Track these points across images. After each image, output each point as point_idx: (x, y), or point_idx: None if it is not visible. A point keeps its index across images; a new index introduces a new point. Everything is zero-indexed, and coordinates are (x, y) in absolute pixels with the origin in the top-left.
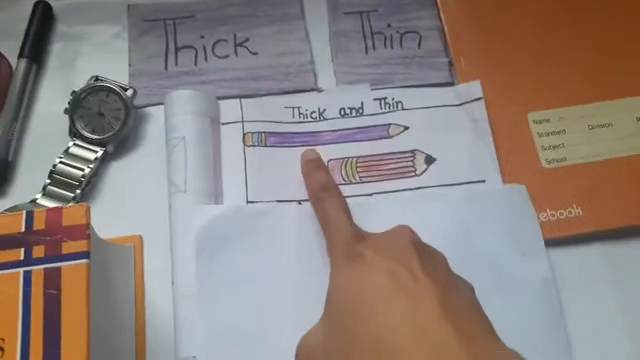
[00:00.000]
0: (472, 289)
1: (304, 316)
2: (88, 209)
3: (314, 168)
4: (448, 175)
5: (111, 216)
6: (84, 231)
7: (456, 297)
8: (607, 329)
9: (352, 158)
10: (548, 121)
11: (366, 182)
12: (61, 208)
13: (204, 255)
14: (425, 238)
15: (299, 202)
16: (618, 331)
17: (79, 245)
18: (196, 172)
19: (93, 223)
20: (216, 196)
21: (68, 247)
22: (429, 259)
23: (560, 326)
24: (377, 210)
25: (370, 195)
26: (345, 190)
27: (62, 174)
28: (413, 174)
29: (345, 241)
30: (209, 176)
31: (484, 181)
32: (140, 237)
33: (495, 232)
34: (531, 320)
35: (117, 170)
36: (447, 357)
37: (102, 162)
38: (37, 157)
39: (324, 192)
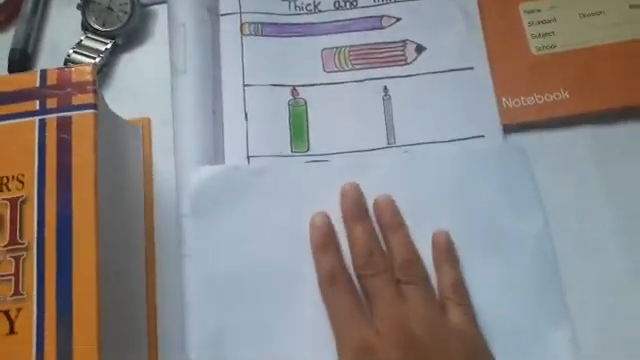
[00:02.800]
0: None
1: (307, 280)
2: (94, 67)
3: (323, 247)
4: (437, 63)
5: (122, 101)
6: (91, 86)
7: None
8: (591, 213)
9: (345, 47)
10: (539, 11)
11: (358, 69)
12: (70, 68)
13: (200, 217)
14: (417, 197)
15: (294, 91)
16: (602, 211)
17: (87, 97)
18: (194, 54)
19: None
20: (214, 78)
21: (77, 99)
22: None
23: (555, 282)
24: (371, 169)
25: (362, 81)
26: (338, 77)
27: (75, 62)
28: (404, 62)
29: (352, 349)
30: (207, 59)
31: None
32: (148, 119)
33: (489, 189)
34: (524, 276)
35: (127, 60)
36: None
37: (112, 53)
38: (53, 49)
39: (332, 284)
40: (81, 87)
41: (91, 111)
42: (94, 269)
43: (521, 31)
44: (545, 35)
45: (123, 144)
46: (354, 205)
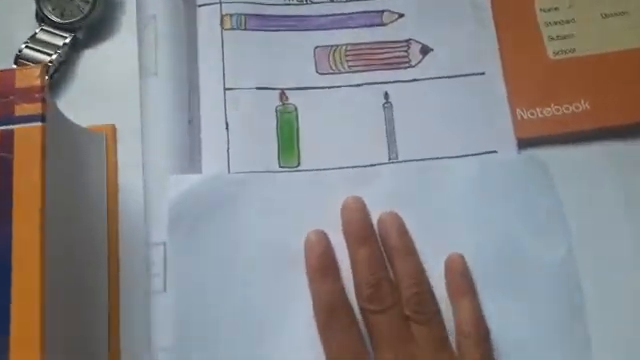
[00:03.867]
0: None
1: (300, 312)
2: (43, 69)
3: (320, 272)
4: (445, 67)
5: (83, 105)
6: (39, 93)
7: None
8: (612, 235)
9: (341, 46)
10: (557, 9)
11: (355, 71)
12: (14, 69)
13: (178, 232)
14: (427, 216)
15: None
16: (624, 234)
17: (34, 107)
18: (167, 53)
19: (64, 112)
20: (190, 81)
21: (22, 109)
22: None
23: (579, 315)
24: (379, 182)
25: (360, 85)
26: (333, 80)
27: (28, 59)
28: (407, 65)
29: None
30: (182, 59)
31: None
32: (113, 127)
33: (508, 209)
34: (547, 308)
35: (89, 58)
36: None
37: (72, 49)
38: (2, 44)
39: (330, 317)
40: (27, 94)
41: (38, 124)
42: (37, 317)
43: (537, 32)
44: (564, 37)
45: (82, 157)
46: (358, 222)
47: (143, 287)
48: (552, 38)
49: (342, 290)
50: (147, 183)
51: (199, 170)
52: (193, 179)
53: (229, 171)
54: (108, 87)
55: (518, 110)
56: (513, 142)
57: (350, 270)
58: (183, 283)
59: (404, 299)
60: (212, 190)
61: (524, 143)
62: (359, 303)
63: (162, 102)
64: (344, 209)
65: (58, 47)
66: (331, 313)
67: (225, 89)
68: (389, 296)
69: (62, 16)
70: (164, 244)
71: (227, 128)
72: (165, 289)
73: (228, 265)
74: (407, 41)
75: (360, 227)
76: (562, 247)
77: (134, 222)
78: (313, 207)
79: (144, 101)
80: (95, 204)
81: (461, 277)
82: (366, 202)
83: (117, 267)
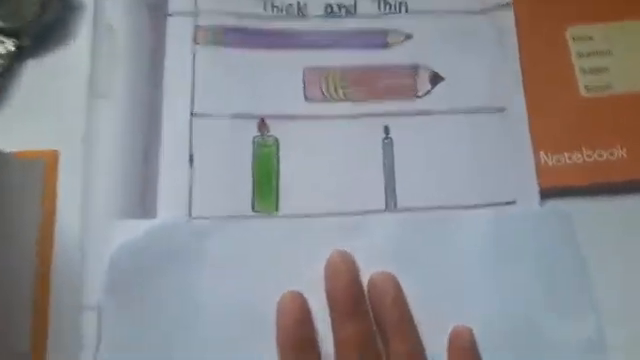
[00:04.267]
0: None
1: None
2: None
3: (294, 349)
4: (458, 99)
5: (21, 125)
6: None
7: None
8: None
9: (336, 69)
10: (591, 38)
11: (352, 100)
12: None
13: (118, 294)
14: (428, 279)
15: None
16: None
17: None
18: (125, 71)
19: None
20: (151, 107)
21: None
22: None
23: None
24: (372, 235)
25: (356, 117)
26: (324, 109)
27: None
28: (413, 95)
29: None
30: (143, 80)
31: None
32: (55, 152)
33: (526, 273)
34: None
35: (34, 69)
36: None
37: (15, 58)
38: None
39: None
40: None
41: None
42: None
43: (568, 64)
44: (598, 72)
45: (9, 189)
46: (346, 289)
47: None
48: (585, 71)
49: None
50: (87, 229)
51: (153, 214)
52: (143, 226)
53: (190, 216)
54: (54, 105)
55: (542, 154)
56: (535, 192)
57: (331, 344)
58: None
59: None
60: (167, 240)
61: (547, 193)
62: None
63: (112, 128)
64: (329, 268)
65: None
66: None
67: (192, 115)
68: None
69: (4, 19)
70: (99, 308)
71: (191, 163)
72: None
73: (182, 337)
74: (414, 67)
75: (347, 295)
76: (590, 325)
77: (69, 278)
78: (291, 263)
79: (91, 126)
80: (22, 246)
81: (467, 355)
82: (356, 258)
83: (45, 335)
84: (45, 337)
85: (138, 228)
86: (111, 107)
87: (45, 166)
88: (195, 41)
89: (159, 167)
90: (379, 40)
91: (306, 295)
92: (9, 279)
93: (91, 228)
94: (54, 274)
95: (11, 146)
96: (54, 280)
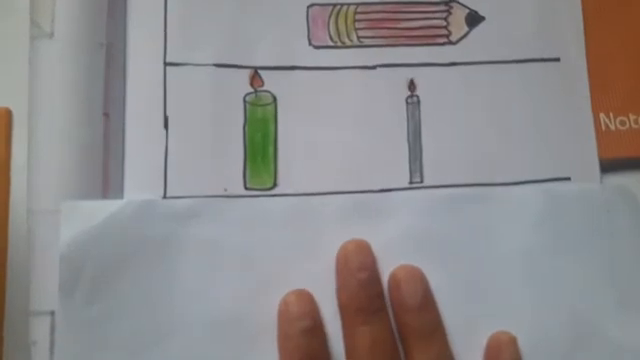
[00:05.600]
0: None
1: None
2: None
3: (302, 333)
4: (501, 47)
5: None
6: None
7: None
8: None
9: (349, 5)
10: None
11: (368, 46)
12: None
13: (74, 295)
14: (469, 273)
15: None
16: None
17: None
18: (73, 4)
19: None
20: (110, 48)
21: None
22: None
23: None
24: (394, 217)
25: (373, 68)
26: (333, 57)
27: None
28: (445, 40)
29: None
30: (96, 12)
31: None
32: (7, 110)
33: (584, 265)
34: None
35: None
36: None
37: None
38: None
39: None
40: None
41: None
42: None
43: (637, 4)
44: None
45: None
46: (361, 289)
47: None
48: None
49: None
50: (33, 214)
51: (117, 193)
52: (103, 209)
53: (165, 194)
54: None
55: (603, 116)
56: (594, 164)
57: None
58: None
59: None
60: (136, 226)
61: (609, 165)
62: None
63: (61, 80)
64: (340, 261)
65: None
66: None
67: (166, 64)
68: None
69: None
70: (51, 314)
71: (166, 126)
72: None
73: (156, 347)
74: (448, 4)
75: (362, 296)
76: None
77: (17, 276)
78: (292, 253)
79: (34, 79)
80: None
81: None
82: (373, 247)
83: None
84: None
85: (99, 211)
86: (57, 49)
87: None
88: None
89: (126, 130)
90: None
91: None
92: None
93: (39, 212)
94: (8, 276)
95: None
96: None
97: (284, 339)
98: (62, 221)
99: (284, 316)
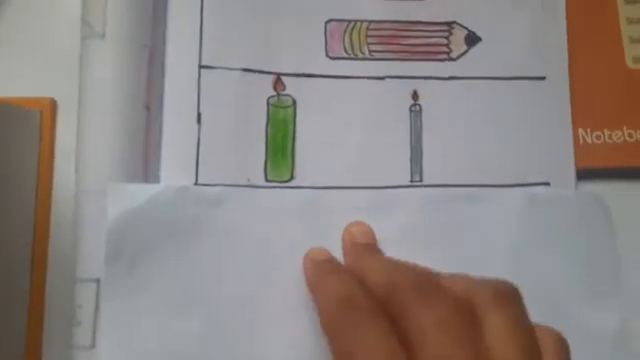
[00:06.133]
0: None
1: None
2: None
3: (328, 273)
4: (496, 64)
5: (9, 69)
6: None
7: None
8: None
9: (362, 22)
10: None
11: (378, 59)
12: None
13: (117, 266)
14: (459, 262)
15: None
16: None
17: None
18: (122, 9)
19: None
20: (152, 50)
21: None
22: None
23: None
24: (395, 211)
25: (382, 79)
26: (347, 68)
27: None
28: (446, 57)
29: None
30: (142, 18)
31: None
32: (52, 100)
33: (557, 260)
34: None
35: (18, 5)
36: None
37: None
38: None
39: (348, 309)
40: None
41: None
42: None
43: (615, 31)
44: None
45: (2, 141)
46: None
47: (66, 340)
48: (634, 40)
49: (355, 286)
50: (80, 194)
51: (155, 177)
52: (144, 191)
53: (196, 181)
54: (47, 45)
55: (581, 130)
56: (571, 172)
57: None
58: (118, 338)
59: None
60: (172, 208)
61: (584, 174)
62: None
63: (109, 77)
64: (345, 241)
65: None
66: (348, 302)
67: (200, 67)
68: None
69: None
70: (97, 281)
71: (199, 121)
72: (93, 345)
73: (184, 313)
74: (449, 24)
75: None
76: (616, 316)
77: (66, 245)
78: (305, 238)
79: (85, 74)
80: (19, 204)
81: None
82: (377, 237)
83: (42, 309)
84: (42, 306)
85: (141, 193)
86: (106, 49)
87: (42, 116)
88: None
89: (163, 124)
90: None
91: None
92: (7, 249)
93: (86, 192)
94: (50, 244)
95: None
96: (50, 250)
97: (307, 270)
98: (108, 200)
99: (306, 259)
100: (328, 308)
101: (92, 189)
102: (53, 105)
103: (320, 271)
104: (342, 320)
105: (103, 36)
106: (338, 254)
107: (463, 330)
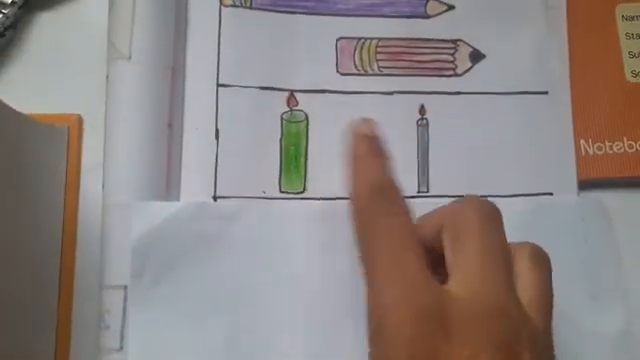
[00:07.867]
0: None
1: None
2: None
3: (365, 153)
4: (499, 80)
5: (37, 86)
6: None
7: None
8: None
9: (371, 39)
10: None
11: (387, 75)
12: None
13: (143, 276)
14: None
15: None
16: None
17: None
18: (147, 32)
19: (10, 93)
20: (174, 70)
21: None
22: None
23: None
24: None
25: (390, 94)
26: (357, 83)
27: None
28: (452, 73)
29: (415, 318)
30: (165, 40)
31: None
32: (79, 117)
33: (560, 265)
34: None
35: (47, 24)
36: None
37: (26, 11)
38: None
39: (380, 198)
40: None
41: None
42: None
43: (615, 47)
44: None
45: (32, 157)
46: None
47: (95, 343)
48: (633, 55)
49: (393, 178)
50: (106, 207)
51: (175, 192)
52: (165, 209)
53: (215, 194)
54: (72, 64)
55: (583, 142)
56: (573, 183)
57: None
58: (146, 342)
59: None
60: (191, 224)
61: (586, 184)
62: None
63: (134, 96)
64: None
65: (4, 5)
66: (380, 192)
67: (218, 86)
68: None
69: None
70: (124, 288)
71: (217, 137)
72: (121, 347)
73: (206, 322)
74: (455, 42)
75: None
76: (621, 317)
77: (92, 254)
78: (318, 246)
79: (111, 93)
80: (47, 218)
81: None
82: None
83: (69, 314)
84: (70, 311)
85: (162, 211)
86: (132, 70)
87: (69, 132)
88: (222, 2)
89: (183, 140)
90: (419, 9)
91: (335, 284)
92: (37, 258)
93: (112, 205)
94: (79, 252)
95: (27, 108)
96: (77, 260)
97: (352, 148)
98: (133, 219)
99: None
100: (360, 196)
101: (118, 203)
102: (80, 122)
103: (361, 153)
104: (370, 211)
105: (129, 57)
106: (349, 263)
107: None
